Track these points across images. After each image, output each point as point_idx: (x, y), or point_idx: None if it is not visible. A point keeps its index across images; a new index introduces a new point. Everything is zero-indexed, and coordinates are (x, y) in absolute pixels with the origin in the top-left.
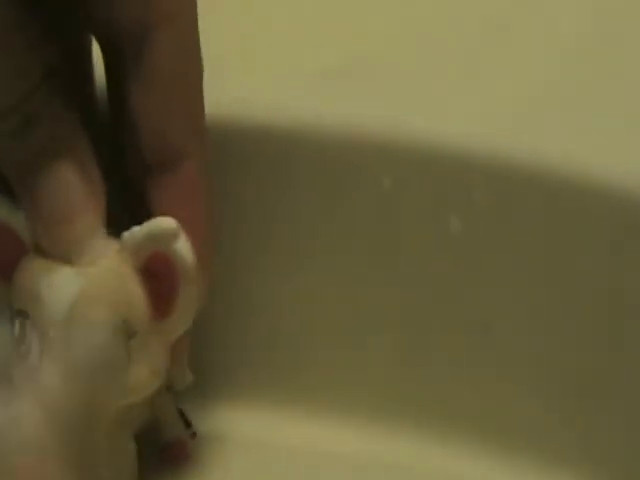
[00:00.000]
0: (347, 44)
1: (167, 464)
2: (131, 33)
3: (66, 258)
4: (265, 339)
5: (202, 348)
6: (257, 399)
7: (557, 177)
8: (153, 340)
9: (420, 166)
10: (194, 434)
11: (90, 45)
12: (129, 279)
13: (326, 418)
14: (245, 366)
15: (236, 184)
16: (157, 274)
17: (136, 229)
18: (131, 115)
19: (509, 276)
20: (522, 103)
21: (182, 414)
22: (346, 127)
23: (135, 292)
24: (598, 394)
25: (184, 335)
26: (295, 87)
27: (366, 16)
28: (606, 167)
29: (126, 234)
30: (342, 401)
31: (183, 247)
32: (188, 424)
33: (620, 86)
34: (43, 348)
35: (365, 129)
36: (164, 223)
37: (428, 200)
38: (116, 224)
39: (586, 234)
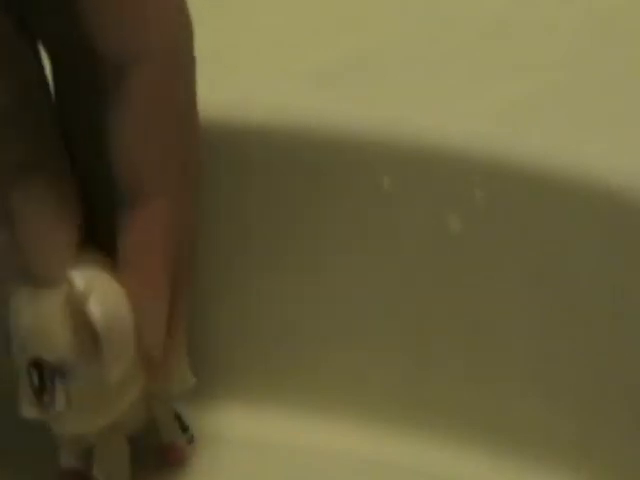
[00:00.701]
0: (346, 45)
1: (163, 467)
2: (110, 64)
3: (28, 278)
4: (265, 339)
5: (201, 348)
6: (257, 399)
7: (557, 177)
8: (97, 379)
9: (420, 166)
10: (191, 439)
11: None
12: (69, 320)
13: (326, 418)
14: (245, 366)
15: (235, 185)
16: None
17: (71, 274)
18: (108, 145)
19: (509, 276)
20: (522, 103)
21: (179, 418)
22: (345, 127)
23: (70, 334)
24: (598, 394)
25: (182, 339)
26: (294, 88)
27: (365, 17)
28: (606, 167)
29: (70, 274)
30: (342, 401)
31: (93, 308)
32: (185, 428)
33: (620, 86)
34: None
35: (365, 129)
36: (75, 281)
37: (428, 200)
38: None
39: (586, 234)
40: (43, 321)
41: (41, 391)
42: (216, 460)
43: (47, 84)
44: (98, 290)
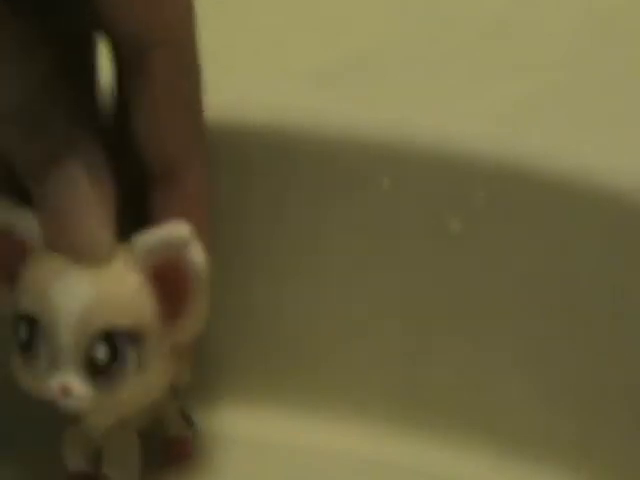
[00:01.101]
0: (346, 45)
1: (169, 462)
2: (129, 48)
3: (75, 258)
4: (266, 339)
5: (203, 348)
6: (257, 399)
7: (557, 177)
8: (164, 343)
9: (420, 166)
10: (197, 432)
11: (96, 49)
12: (138, 284)
13: (326, 418)
14: (245, 366)
15: (236, 185)
16: (168, 278)
17: (148, 234)
18: (133, 127)
19: (509, 276)
20: (522, 103)
21: (184, 412)
22: (346, 128)
23: (143, 297)
24: (598, 394)
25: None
26: (294, 88)
27: (365, 17)
28: (606, 167)
29: (138, 239)
30: (342, 401)
31: (195, 254)
32: (190, 423)
33: (620, 86)
34: (53, 355)
35: (365, 129)
36: (177, 230)
37: (428, 200)
38: (123, 227)
39: (586, 234)
40: (111, 288)
41: (108, 366)
42: (217, 460)
43: (67, 74)
44: (195, 239)
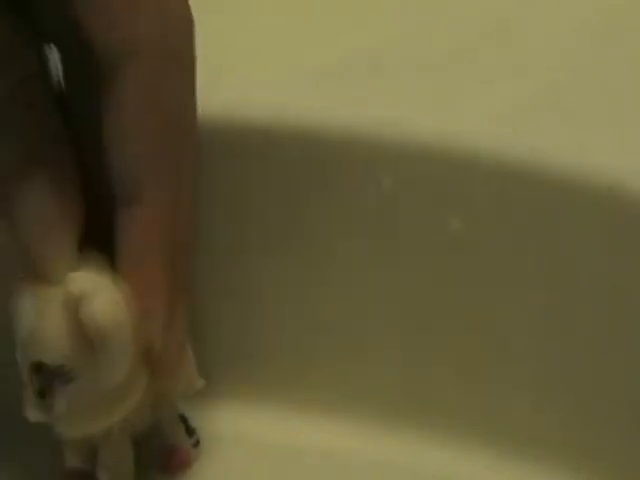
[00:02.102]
0: (346, 45)
1: (167, 470)
2: (102, 60)
3: (34, 276)
4: (266, 339)
5: (203, 348)
6: (257, 399)
7: (557, 177)
8: (98, 382)
9: (420, 166)
10: (197, 442)
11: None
12: (69, 322)
13: (327, 418)
14: (245, 366)
15: (235, 185)
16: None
17: (71, 279)
18: (103, 143)
19: (509, 276)
20: (522, 103)
21: (185, 421)
22: (346, 127)
23: (72, 337)
24: (598, 394)
25: (184, 338)
26: (295, 87)
27: (366, 17)
28: (606, 167)
29: (68, 279)
30: (343, 401)
31: (94, 310)
32: (191, 432)
33: (620, 86)
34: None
35: (365, 129)
36: (73, 284)
37: (428, 200)
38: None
39: (586, 234)
40: (43, 324)
41: (43, 394)
42: (217, 459)
43: (48, 82)
44: (95, 293)
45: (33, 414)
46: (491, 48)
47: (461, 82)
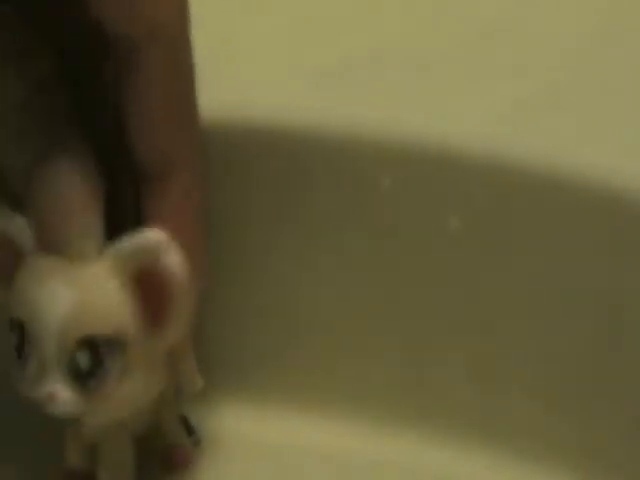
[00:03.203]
0: (347, 44)
1: (168, 470)
2: (120, 47)
3: (63, 260)
4: (266, 340)
5: (203, 348)
6: (257, 399)
7: (557, 177)
8: (148, 349)
9: (420, 166)
10: (198, 442)
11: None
12: (119, 291)
13: (327, 418)
14: (245, 367)
15: (238, 185)
16: (147, 285)
17: (125, 241)
18: (125, 125)
19: (509, 276)
20: (522, 103)
21: (186, 421)
22: (346, 127)
23: (124, 305)
24: (598, 394)
25: (188, 342)
26: (295, 88)
27: (366, 16)
28: (606, 167)
29: (117, 245)
30: (343, 401)
31: (172, 260)
32: (191, 432)
33: (620, 86)
34: (40, 361)
35: (365, 129)
36: (152, 237)
37: (428, 200)
38: (116, 227)
39: (586, 234)
40: (92, 296)
41: (91, 373)
42: (217, 459)
43: (62, 75)
44: (170, 245)
45: (67, 403)
46: (491, 48)
47: (461, 82)
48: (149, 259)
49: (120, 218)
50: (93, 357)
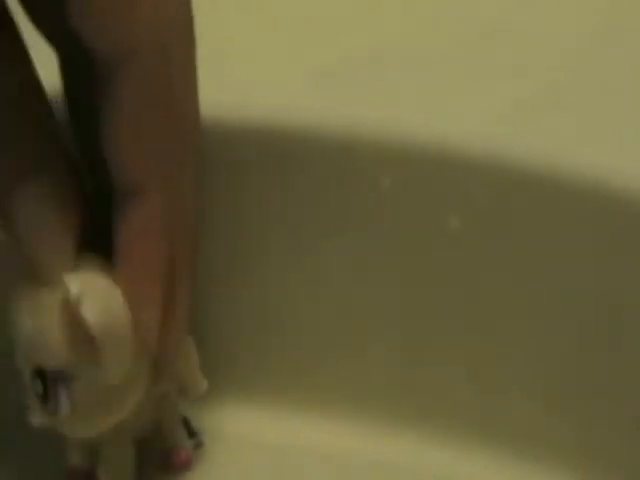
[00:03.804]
0: (347, 44)
1: (168, 471)
2: (99, 61)
3: (33, 284)
4: (266, 340)
5: (204, 349)
6: (257, 399)
7: (557, 177)
8: (98, 381)
9: (420, 166)
10: (199, 444)
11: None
12: (67, 324)
13: (327, 418)
14: (245, 366)
15: (235, 185)
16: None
17: (69, 279)
18: (101, 143)
19: (509, 276)
20: (522, 103)
21: (187, 423)
22: (346, 127)
23: (71, 339)
24: (598, 394)
25: (191, 345)
26: (294, 88)
27: (366, 16)
28: (606, 167)
29: (65, 281)
30: (343, 401)
31: (88, 311)
32: (192, 434)
33: (620, 86)
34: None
35: (365, 129)
36: (68, 286)
37: (428, 200)
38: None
39: (586, 234)
40: (41, 328)
41: (46, 398)
42: (217, 460)
43: (41, 85)
44: (93, 293)
45: (37, 419)
46: (491, 48)
47: (461, 82)
48: (71, 305)
49: (104, 233)
50: (45, 385)
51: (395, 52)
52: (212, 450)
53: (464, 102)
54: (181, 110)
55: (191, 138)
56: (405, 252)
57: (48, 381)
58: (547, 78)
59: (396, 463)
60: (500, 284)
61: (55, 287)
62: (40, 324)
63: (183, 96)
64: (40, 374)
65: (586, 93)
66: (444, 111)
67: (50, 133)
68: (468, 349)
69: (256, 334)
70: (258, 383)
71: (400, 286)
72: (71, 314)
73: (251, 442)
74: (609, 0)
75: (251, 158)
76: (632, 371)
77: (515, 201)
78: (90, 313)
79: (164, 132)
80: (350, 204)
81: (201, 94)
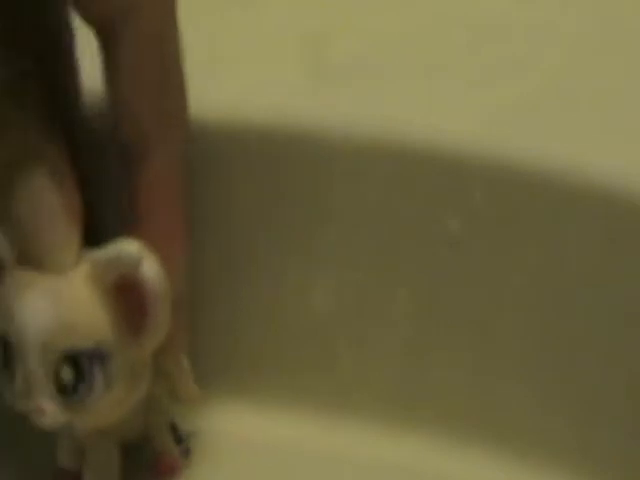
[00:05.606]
0: (346, 45)
1: (156, 476)
2: (97, 26)
3: (42, 270)
4: (265, 340)
5: (202, 349)
6: (256, 399)
7: (556, 177)
8: (130, 358)
9: (419, 166)
10: (187, 451)
11: (72, 40)
12: (98, 303)
13: (327, 418)
14: (245, 366)
15: (234, 185)
16: (126, 294)
17: (101, 252)
18: (107, 101)
19: (508, 276)
20: (521, 104)
21: (175, 429)
22: (345, 128)
23: (104, 316)
24: (598, 394)
25: (183, 355)
26: (293, 89)
27: (365, 17)
28: (606, 167)
29: (91, 256)
30: (343, 401)
31: (149, 271)
32: (180, 440)
33: (620, 86)
34: (26, 376)
35: (364, 129)
36: (127, 248)
37: (428, 200)
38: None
39: (586, 234)
40: (71, 309)
41: (74, 387)
42: (216, 460)
43: (45, 81)
44: (149, 255)
45: (54, 417)
46: (490, 48)
47: (460, 82)
48: (126, 270)
49: (99, 225)
50: (76, 371)
51: (395, 52)
52: (211, 450)
53: (463, 102)
54: (175, 61)
55: (183, 87)
56: (405, 252)
57: (83, 363)
58: (547, 78)
59: (396, 463)
60: (500, 284)
61: (66, 271)
62: (66, 306)
63: (174, 53)
64: (71, 359)
65: (586, 93)
66: (444, 111)
67: (48, 127)
68: (468, 349)
69: (254, 335)
70: (256, 384)
71: (399, 286)
72: (106, 286)
73: (251, 442)
74: (609, 0)
75: (250, 158)
76: (632, 371)
77: (515, 201)
78: (151, 272)
79: (164, 84)
80: (350, 204)
81: (202, 94)
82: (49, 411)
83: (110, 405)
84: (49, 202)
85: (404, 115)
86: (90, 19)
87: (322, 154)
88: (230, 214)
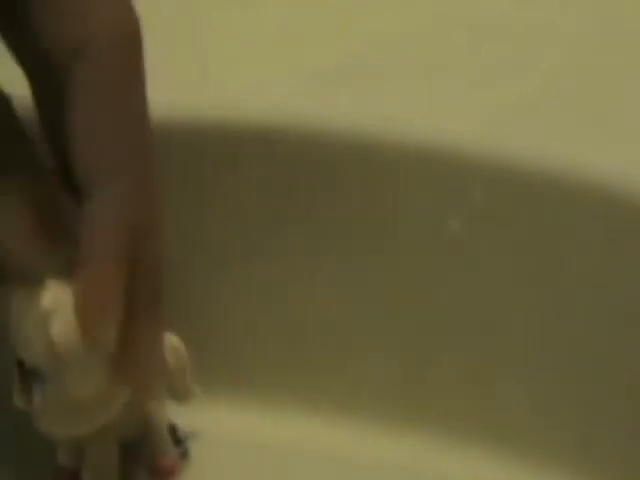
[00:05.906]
0: (345, 45)
1: (154, 477)
2: (54, 59)
3: (27, 282)
4: (265, 341)
5: (201, 349)
6: (257, 399)
7: (556, 177)
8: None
9: (420, 166)
10: (184, 453)
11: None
12: (41, 322)
13: (326, 418)
14: (245, 366)
15: (234, 185)
16: None
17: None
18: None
19: (508, 276)
20: (522, 104)
21: (174, 430)
22: (345, 128)
23: (42, 339)
24: (598, 394)
25: (183, 354)
26: (294, 88)
27: (365, 17)
28: (606, 167)
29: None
30: (343, 401)
31: (54, 329)
32: (178, 442)
33: (620, 86)
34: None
35: (364, 130)
36: (40, 301)
37: (428, 200)
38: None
39: (586, 234)
40: (26, 325)
41: (23, 387)
42: (215, 460)
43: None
44: (64, 309)
45: (18, 401)
46: (490, 48)
47: (461, 82)
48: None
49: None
50: (22, 376)
51: (395, 53)
52: (211, 450)
53: (463, 102)
54: (134, 104)
55: (143, 132)
56: (405, 252)
57: (26, 373)
58: (547, 78)
59: (396, 463)
60: (499, 284)
61: (40, 286)
62: (26, 321)
63: (134, 89)
64: (20, 365)
65: (586, 93)
66: (444, 111)
67: (29, 141)
68: (468, 349)
69: (254, 335)
70: (256, 384)
71: (400, 286)
72: (46, 323)
73: (250, 442)
74: (609, 1)
75: (250, 158)
76: (632, 371)
77: (515, 201)
78: (57, 330)
79: (118, 123)
80: (350, 204)
81: (202, 94)
82: (14, 397)
83: (59, 421)
84: (28, 221)
85: (404, 115)
86: (51, 49)
87: (322, 154)
88: (230, 214)
